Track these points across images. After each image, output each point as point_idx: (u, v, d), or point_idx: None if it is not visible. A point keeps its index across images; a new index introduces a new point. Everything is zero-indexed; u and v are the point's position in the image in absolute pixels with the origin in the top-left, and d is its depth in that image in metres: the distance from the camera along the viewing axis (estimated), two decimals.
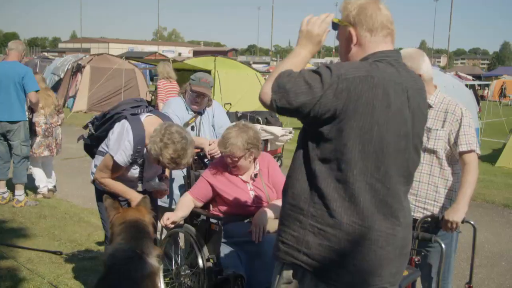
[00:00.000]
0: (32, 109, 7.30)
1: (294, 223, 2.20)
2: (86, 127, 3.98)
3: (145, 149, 3.58)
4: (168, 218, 3.73)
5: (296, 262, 2.20)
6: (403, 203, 2.26)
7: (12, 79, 6.81)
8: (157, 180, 4.01)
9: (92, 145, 3.98)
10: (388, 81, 2.11)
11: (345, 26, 2.29)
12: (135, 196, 3.66)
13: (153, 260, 2.78)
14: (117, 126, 3.63)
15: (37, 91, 6.96)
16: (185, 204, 3.92)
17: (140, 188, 3.80)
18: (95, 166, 3.81)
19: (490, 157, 12.46)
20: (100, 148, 3.83)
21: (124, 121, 3.60)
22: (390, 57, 2.23)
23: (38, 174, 7.77)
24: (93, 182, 3.88)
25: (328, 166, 2.12)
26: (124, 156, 3.54)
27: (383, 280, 2.19)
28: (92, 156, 3.99)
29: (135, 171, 3.72)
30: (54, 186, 7.98)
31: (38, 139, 7.51)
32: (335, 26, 2.35)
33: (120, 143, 3.53)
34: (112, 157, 3.55)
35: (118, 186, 3.71)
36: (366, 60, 2.22)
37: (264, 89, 2.15)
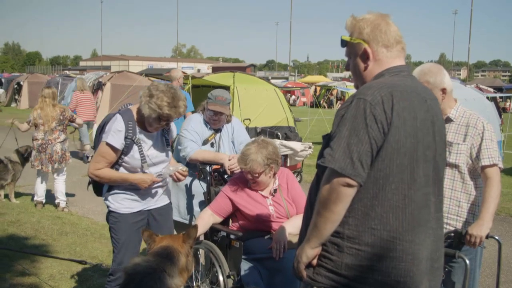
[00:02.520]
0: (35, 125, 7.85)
1: (332, 246, 2.18)
2: (86, 161, 4.03)
3: (138, 129, 3.64)
4: None
5: (334, 285, 2.18)
6: (435, 214, 2.25)
7: None
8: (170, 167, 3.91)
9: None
10: (410, 93, 2.16)
11: (358, 43, 2.31)
12: (138, 177, 3.65)
13: (174, 281, 2.75)
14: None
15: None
16: (204, 221, 3.92)
17: (146, 168, 3.73)
18: (105, 185, 3.82)
19: None
20: None
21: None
22: (404, 71, 2.29)
23: (36, 185, 8.24)
24: (90, 183, 3.90)
25: (368, 185, 2.10)
26: (116, 137, 3.57)
27: None
28: (101, 193, 3.94)
29: (137, 161, 3.69)
30: (59, 203, 8.16)
31: (34, 153, 7.94)
32: (344, 43, 2.38)
33: (110, 128, 3.59)
34: (105, 142, 3.58)
35: (115, 174, 3.69)
36: (382, 76, 2.26)
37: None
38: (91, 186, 3.96)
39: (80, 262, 4.82)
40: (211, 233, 4.13)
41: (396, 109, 2.08)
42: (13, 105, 31.63)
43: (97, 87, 21.23)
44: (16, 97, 31.60)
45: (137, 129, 3.65)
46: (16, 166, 8.48)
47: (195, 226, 3.03)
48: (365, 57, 2.31)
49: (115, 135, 3.57)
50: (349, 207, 2.11)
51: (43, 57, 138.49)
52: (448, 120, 3.47)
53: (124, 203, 3.76)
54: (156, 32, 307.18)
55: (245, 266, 3.69)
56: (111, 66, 78.05)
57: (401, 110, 2.09)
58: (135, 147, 3.66)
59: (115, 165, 3.71)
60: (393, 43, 2.29)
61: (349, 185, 2.05)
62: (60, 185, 8.10)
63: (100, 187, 3.91)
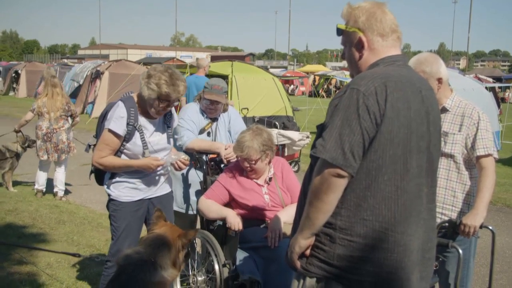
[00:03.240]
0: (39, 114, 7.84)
1: (325, 237, 2.18)
2: (87, 149, 3.98)
3: (140, 116, 3.65)
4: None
5: (327, 275, 2.18)
6: (427, 205, 2.26)
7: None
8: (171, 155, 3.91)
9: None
10: (404, 83, 2.15)
11: (353, 32, 2.29)
12: (143, 162, 3.65)
13: (166, 273, 2.75)
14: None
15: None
16: (216, 205, 3.95)
17: (147, 155, 3.71)
18: (107, 173, 3.81)
19: (510, 161, 12.28)
20: None
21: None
22: (399, 61, 2.27)
23: (38, 174, 8.23)
24: (92, 172, 3.90)
25: (361, 175, 2.10)
26: (118, 123, 3.56)
27: (412, 286, 2.18)
28: (102, 181, 3.93)
29: (139, 147, 3.68)
30: (57, 192, 8.20)
31: (38, 142, 7.90)
32: (339, 32, 2.36)
33: (112, 115, 3.58)
34: (108, 129, 3.58)
35: (119, 161, 3.69)
36: (376, 65, 2.24)
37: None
38: (93, 175, 3.95)
39: (73, 255, 4.80)
40: (207, 222, 4.14)
41: (390, 100, 2.06)
42: (11, 93, 31.57)
43: (95, 76, 21.16)
44: (14, 85, 31.54)
45: (139, 115, 3.66)
46: (14, 155, 8.48)
47: (196, 230, 3.05)
48: (360, 46, 2.29)
49: (117, 121, 3.56)
50: (342, 198, 2.11)
51: (41, 45, 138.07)
52: (444, 110, 3.47)
53: (125, 192, 3.76)
54: (155, 21, 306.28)
55: (240, 255, 3.70)
56: (110, 55, 77.86)
57: (394, 101, 2.07)
58: (136, 134, 3.65)
59: (117, 152, 3.70)
60: (388, 32, 2.27)
61: (340, 176, 2.05)
62: (60, 175, 8.15)
63: (102, 175, 3.90)
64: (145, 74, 3.57)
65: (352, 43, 2.32)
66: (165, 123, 3.84)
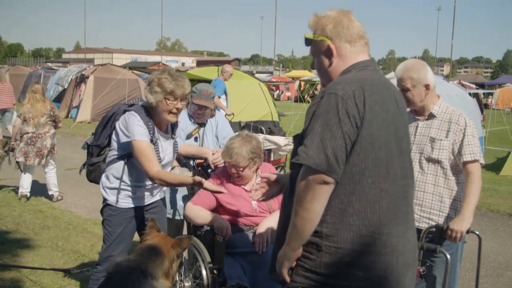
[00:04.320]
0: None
1: (311, 246, 2.15)
2: (85, 147, 3.95)
3: (156, 130, 3.59)
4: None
5: (313, 284, 2.15)
6: (411, 206, 2.27)
7: None
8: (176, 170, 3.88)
9: (95, 165, 3.89)
10: (379, 87, 2.17)
11: (321, 40, 2.30)
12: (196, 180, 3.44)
13: (156, 282, 2.71)
14: (119, 123, 3.59)
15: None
16: (204, 211, 3.92)
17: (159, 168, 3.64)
18: (106, 177, 3.74)
19: (494, 166, 12.42)
20: (108, 159, 3.74)
21: (125, 113, 3.59)
22: (370, 66, 2.29)
23: (22, 177, 8.11)
24: (83, 167, 3.85)
25: (345, 181, 2.08)
26: (143, 132, 3.48)
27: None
28: (97, 180, 3.88)
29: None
30: (52, 194, 8.27)
31: (21, 144, 7.88)
32: (308, 42, 2.38)
33: (133, 127, 3.47)
34: (138, 140, 3.45)
35: (176, 175, 3.60)
36: (348, 72, 2.25)
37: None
38: (84, 172, 3.95)
39: (65, 271, 4.75)
40: (194, 228, 4.12)
41: (368, 103, 2.07)
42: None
43: (80, 80, 20.99)
44: None
45: (156, 129, 3.61)
46: None
47: (189, 237, 2.95)
48: (329, 53, 2.30)
49: (142, 130, 3.49)
50: (327, 204, 2.09)
51: (25, 49, 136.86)
52: (431, 116, 3.50)
53: (123, 198, 3.71)
54: (140, 25, 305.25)
55: (228, 260, 3.68)
56: (95, 59, 77.33)
57: (372, 104, 2.08)
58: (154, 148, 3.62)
59: (129, 158, 3.63)
60: (356, 38, 2.29)
61: (325, 182, 2.03)
62: (52, 177, 8.22)
63: (93, 171, 3.89)
64: (146, 84, 3.56)
65: (321, 52, 2.33)
66: (172, 137, 3.83)
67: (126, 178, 3.67)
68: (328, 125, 2.04)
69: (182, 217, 4.58)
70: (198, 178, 3.39)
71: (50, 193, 8.25)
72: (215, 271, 3.70)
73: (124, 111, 3.62)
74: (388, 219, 2.12)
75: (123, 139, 3.53)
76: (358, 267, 2.09)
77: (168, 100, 3.48)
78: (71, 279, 4.97)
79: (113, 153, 3.69)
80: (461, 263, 3.72)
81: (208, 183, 3.43)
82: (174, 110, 3.54)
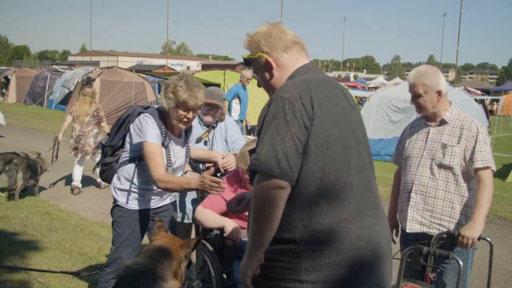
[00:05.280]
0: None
1: (287, 254, 2.12)
2: (99, 147, 3.98)
3: (169, 134, 3.61)
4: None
5: None
6: (379, 198, 2.28)
7: None
8: (188, 174, 3.91)
9: (108, 165, 3.93)
10: (325, 84, 2.23)
11: (259, 56, 2.35)
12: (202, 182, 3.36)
13: (166, 284, 2.70)
14: (133, 123, 3.60)
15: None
16: (214, 215, 3.92)
17: (170, 172, 3.65)
18: (117, 178, 3.75)
19: (500, 173, 12.35)
20: (120, 160, 3.76)
21: (139, 116, 3.60)
22: (312, 68, 2.34)
23: (74, 170, 9.09)
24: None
25: (300, 185, 2.07)
26: (156, 135, 3.49)
27: (385, 279, 2.18)
28: (110, 179, 3.91)
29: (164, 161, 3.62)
30: (75, 185, 9.06)
31: (70, 141, 8.98)
32: (247, 62, 2.43)
33: (147, 129, 3.48)
34: (148, 141, 3.46)
35: (179, 179, 3.58)
36: (293, 77, 2.29)
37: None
38: (97, 170, 4.04)
39: (75, 273, 4.74)
40: (203, 231, 4.12)
41: (316, 101, 2.10)
42: (0, 99, 31.29)
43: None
44: (4, 91, 31.29)
45: (168, 133, 3.62)
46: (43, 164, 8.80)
47: (199, 238, 2.93)
48: (268, 67, 2.35)
49: (154, 132, 3.50)
50: (294, 210, 2.08)
51: (31, 51, 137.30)
52: (443, 122, 3.49)
53: (133, 200, 3.72)
54: (146, 29, 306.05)
55: (237, 264, 3.68)
56: (100, 62, 77.62)
57: (321, 101, 2.11)
58: (163, 150, 3.62)
59: (141, 160, 3.62)
60: (290, 46, 2.34)
61: (279, 187, 2.01)
62: (78, 172, 9.04)
63: (105, 171, 3.94)
64: (164, 86, 3.57)
65: (261, 67, 2.38)
66: (185, 141, 3.84)
67: (136, 180, 3.68)
68: (276, 129, 2.06)
69: (191, 221, 4.59)
70: (204, 178, 3.30)
71: (72, 183, 9.04)
72: (225, 275, 3.69)
73: (139, 113, 3.64)
74: (358, 212, 2.11)
75: (136, 139, 3.56)
76: (337, 266, 2.06)
77: (180, 109, 3.49)
78: (79, 281, 4.97)
79: (125, 154, 3.71)
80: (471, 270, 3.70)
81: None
82: (185, 119, 3.56)
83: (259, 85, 2.46)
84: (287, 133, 2.03)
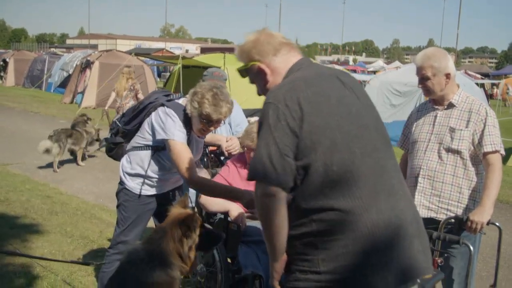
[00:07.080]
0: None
1: (305, 247, 2.11)
2: (112, 126, 3.90)
3: (191, 132, 3.55)
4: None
5: (317, 285, 2.09)
6: (397, 178, 2.23)
7: None
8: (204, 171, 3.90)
9: (118, 144, 3.87)
10: (315, 78, 2.21)
11: (252, 65, 2.36)
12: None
13: (169, 268, 2.64)
14: (156, 114, 3.51)
15: None
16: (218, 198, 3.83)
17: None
18: (128, 162, 3.69)
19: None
20: (134, 144, 3.68)
21: (162, 108, 3.50)
22: (303, 64, 2.33)
23: None
24: (103, 143, 3.84)
25: (308, 181, 2.07)
26: (182, 134, 3.43)
27: (414, 259, 2.10)
28: (118, 157, 3.87)
29: None
30: None
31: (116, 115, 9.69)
32: (243, 73, 2.44)
33: (173, 127, 3.42)
34: (176, 141, 3.40)
35: (218, 186, 3.55)
36: (286, 78, 2.29)
37: None
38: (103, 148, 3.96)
39: (86, 264, 4.70)
40: (207, 215, 4.09)
41: (304, 98, 2.09)
42: None
43: (85, 66, 20.93)
44: (2, 74, 31.13)
45: (190, 131, 3.56)
46: (89, 135, 9.69)
47: (193, 214, 2.78)
48: (262, 74, 2.36)
49: (180, 132, 3.44)
50: (307, 207, 2.08)
51: (29, 34, 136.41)
52: (451, 105, 3.44)
53: (143, 186, 3.67)
54: (145, 12, 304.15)
55: (242, 249, 3.65)
56: (98, 45, 77.05)
57: (310, 96, 2.10)
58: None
59: (158, 151, 3.58)
60: (279, 48, 2.34)
61: (269, 195, 2.04)
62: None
63: (114, 149, 3.90)
64: (193, 90, 3.44)
65: (256, 76, 2.40)
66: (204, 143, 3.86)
67: (149, 168, 3.63)
68: (262, 135, 2.10)
69: (193, 205, 4.55)
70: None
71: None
72: (229, 260, 3.66)
73: (162, 105, 3.53)
74: (371, 198, 2.07)
75: (160, 135, 3.47)
76: (356, 254, 2.03)
77: (202, 120, 3.42)
78: (82, 265, 4.95)
79: (141, 140, 3.62)
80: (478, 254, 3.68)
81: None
82: (202, 132, 3.54)
83: (259, 94, 2.45)
84: (270, 138, 2.05)
